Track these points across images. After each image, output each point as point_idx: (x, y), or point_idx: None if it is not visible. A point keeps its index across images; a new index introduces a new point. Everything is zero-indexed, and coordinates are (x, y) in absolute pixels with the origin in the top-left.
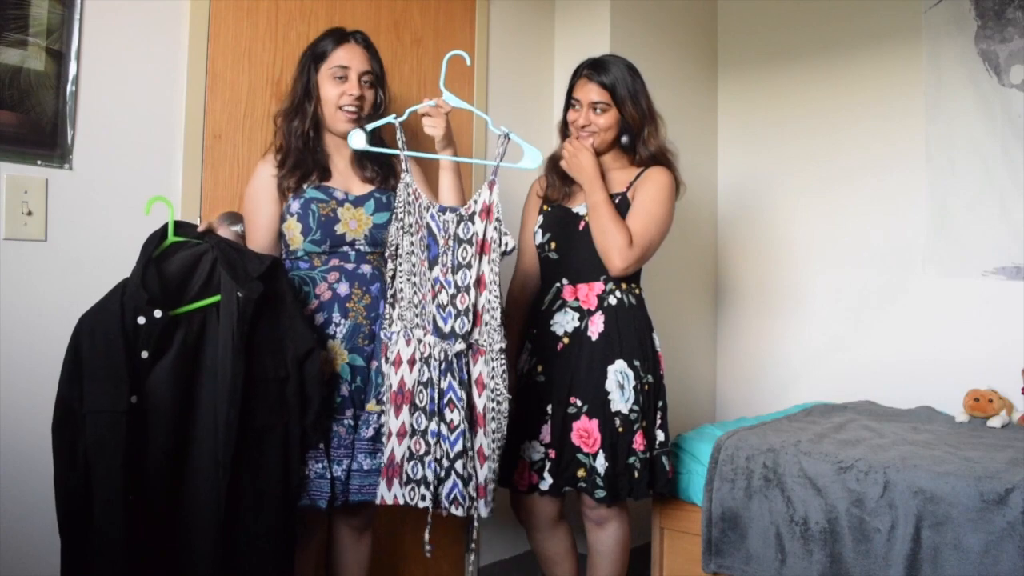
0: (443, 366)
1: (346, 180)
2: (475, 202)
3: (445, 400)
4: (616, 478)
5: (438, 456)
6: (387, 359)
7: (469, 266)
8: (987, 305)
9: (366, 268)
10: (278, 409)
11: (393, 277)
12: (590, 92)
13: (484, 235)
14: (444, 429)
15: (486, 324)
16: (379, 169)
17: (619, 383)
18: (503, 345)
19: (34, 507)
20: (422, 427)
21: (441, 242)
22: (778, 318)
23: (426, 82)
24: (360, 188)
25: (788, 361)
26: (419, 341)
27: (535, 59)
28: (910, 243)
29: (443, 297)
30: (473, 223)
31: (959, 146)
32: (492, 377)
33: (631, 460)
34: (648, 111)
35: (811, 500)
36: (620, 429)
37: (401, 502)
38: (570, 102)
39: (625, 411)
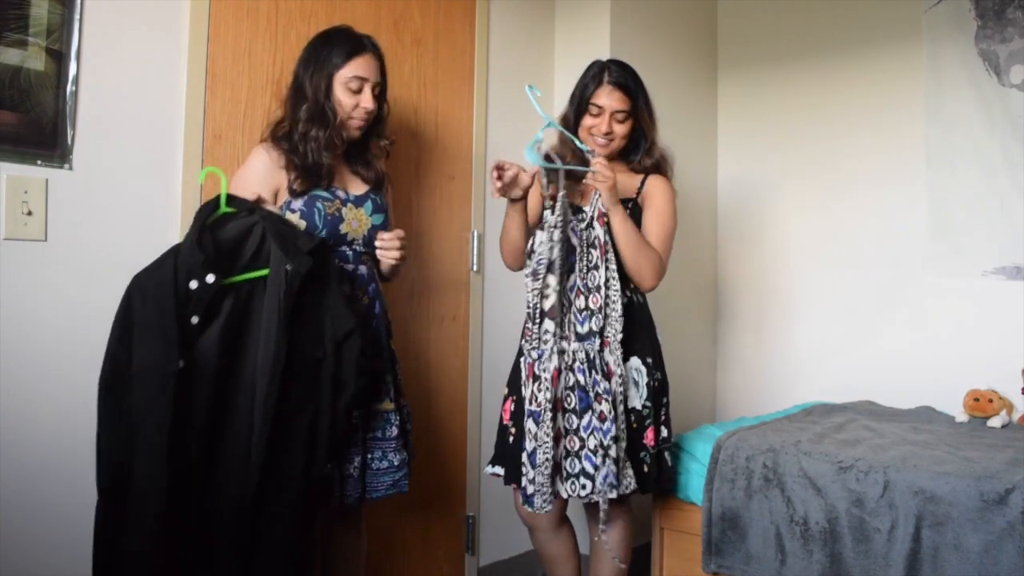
0: (586, 364)
1: (342, 179)
2: (592, 206)
3: (594, 394)
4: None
5: (592, 447)
6: (541, 371)
7: (596, 267)
8: (987, 305)
9: (363, 269)
10: (311, 390)
11: (541, 295)
12: (615, 100)
13: (603, 238)
14: (596, 421)
15: (607, 317)
16: (372, 170)
17: (634, 380)
18: (622, 336)
19: (34, 506)
20: (574, 426)
21: (577, 248)
22: (778, 318)
23: (426, 82)
24: (356, 188)
25: (788, 361)
26: (562, 352)
27: (535, 59)
28: (910, 243)
29: (580, 301)
30: (593, 228)
31: (959, 146)
32: (617, 364)
33: (642, 455)
34: (653, 117)
35: (811, 500)
36: (634, 425)
37: (564, 496)
38: (586, 105)
39: (639, 407)
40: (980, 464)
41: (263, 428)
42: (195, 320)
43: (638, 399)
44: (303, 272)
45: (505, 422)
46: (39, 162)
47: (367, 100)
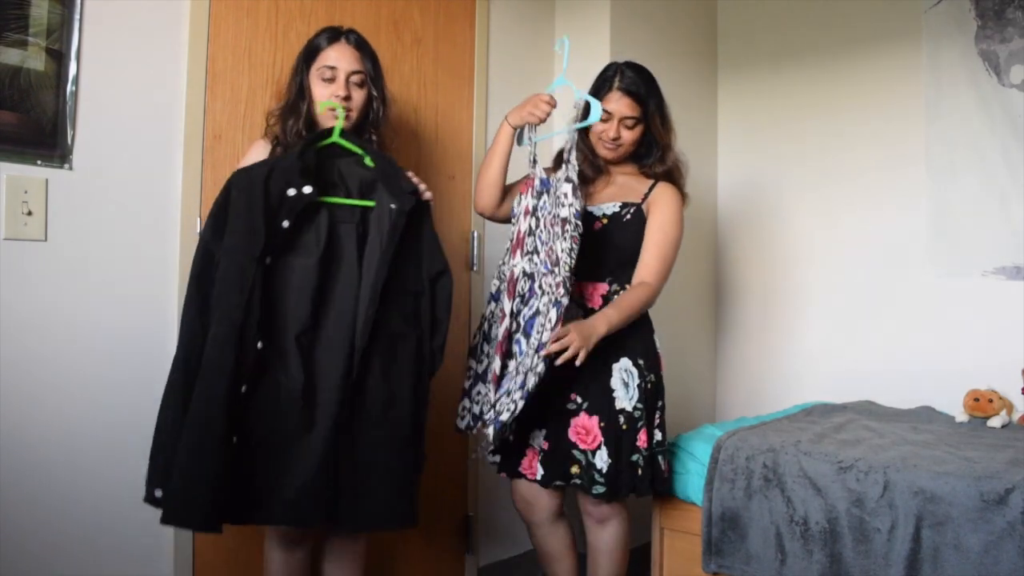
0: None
1: None
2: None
3: None
4: (618, 475)
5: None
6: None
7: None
8: (987, 305)
9: None
10: (413, 320)
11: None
12: (623, 106)
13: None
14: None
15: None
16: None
17: (624, 380)
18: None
19: (34, 506)
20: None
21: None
22: (778, 318)
23: (426, 82)
24: None
25: (788, 361)
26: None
27: (535, 59)
28: (910, 243)
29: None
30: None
31: (959, 146)
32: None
33: (634, 457)
34: (668, 124)
35: (811, 500)
36: (624, 426)
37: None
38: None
39: (629, 408)
40: (980, 464)
41: (362, 339)
42: (285, 224)
43: (628, 400)
44: (407, 211)
45: None
46: (39, 162)
47: (339, 88)
